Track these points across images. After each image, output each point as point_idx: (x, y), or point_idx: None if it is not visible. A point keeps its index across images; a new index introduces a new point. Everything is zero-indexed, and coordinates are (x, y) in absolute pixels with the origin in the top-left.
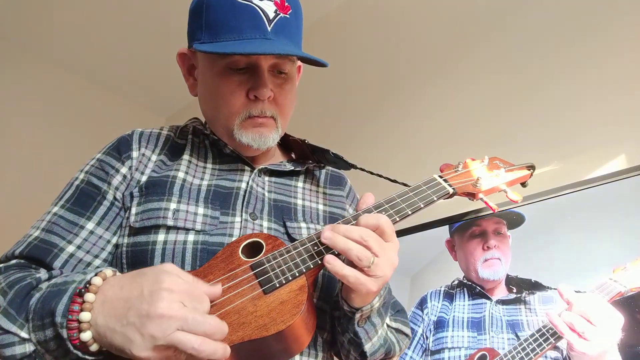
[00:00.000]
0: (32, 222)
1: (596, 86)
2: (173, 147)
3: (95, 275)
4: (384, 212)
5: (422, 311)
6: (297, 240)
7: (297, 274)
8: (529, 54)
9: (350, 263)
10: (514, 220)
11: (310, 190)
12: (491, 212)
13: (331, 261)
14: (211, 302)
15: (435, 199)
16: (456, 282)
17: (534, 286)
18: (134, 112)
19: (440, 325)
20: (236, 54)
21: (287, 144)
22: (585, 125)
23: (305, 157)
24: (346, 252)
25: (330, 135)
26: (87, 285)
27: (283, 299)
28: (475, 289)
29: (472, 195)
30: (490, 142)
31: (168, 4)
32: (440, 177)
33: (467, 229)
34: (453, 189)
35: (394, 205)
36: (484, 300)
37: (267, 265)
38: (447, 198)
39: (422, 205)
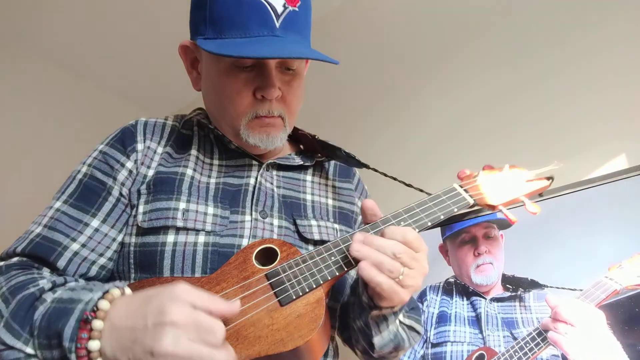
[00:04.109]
0: (26, 216)
1: (596, 86)
2: (179, 139)
3: (103, 296)
4: (402, 222)
5: (422, 304)
6: (308, 239)
7: (313, 285)
8: (530, 55)
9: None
10: (505, 221)
11: (320, 184)
12: (487, 214)
13: (365, 267)
14: (230, 319)
15: (455, 210)
16: (452, 280)
17: (531, 285)
18: (133, 113)
19: (442, 319)
20: (242, 57)
21: (295, 135)
22: (585, 125)
23: (314, 151)
24: (378, 264)
25: (332, 131)
26: (95, 310)
27: (300, 312)
28: (469, 288)
29: (491, 207)
30: (491, 143)
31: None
32: (461, 186)
33: (457, 236)
34: (473, 199)
35: (412, 215)
36: (478, 298)
37: (283, 275)
38: (468, 209)
39: (442, 217)
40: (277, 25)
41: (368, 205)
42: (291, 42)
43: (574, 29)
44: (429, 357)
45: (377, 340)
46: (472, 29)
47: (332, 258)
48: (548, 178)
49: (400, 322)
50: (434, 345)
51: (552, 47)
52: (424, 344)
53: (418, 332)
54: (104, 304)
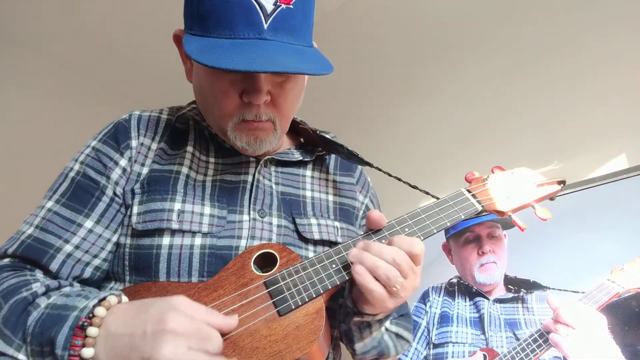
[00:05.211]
0: (17, 212)
1: (596, 86)
2: (174, 134)
3: (99, 303)
4: (407, 229)
5: (425, 304)
6: (307, 239)
7: (313, 295)
8: (531, 54)
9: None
10: (509, 220)
11: (320, 179)
12: (487, 216)
13: (361, 272)
14: (226, 334)
15: (462, 217)
16: (455, 280)
17: (533, 286)
18: (129, 109)
19: (444, 319)
20: (216, 68)
21: (295, 128)
22: (586, 125)
23: (315, 145)
24: (373, 269)
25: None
26: (91, 316)
27: (299, 322)
28: (472, 288)
29: (500, 213)
30: (492, 144)
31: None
32: (469, 191)
33: (461, 235)
34: (482, 206)
35: (417, 221)
36: (482, 299)
37: (282, 283)
38: (475, 216)
39: (448, 224)
40: (266, 26)
41: (375, 217)
42: (278, 47)
43: (575, 33)
44: (431, 357)
45: (358, 346)
46: (469, 26)
47: (333, 266)
48: (560, 182)
49: (387, 329)
50: (435, 346)
51: (554, 50)
52: (427, 345)
53: (407, 340)
54: (100, 311)
